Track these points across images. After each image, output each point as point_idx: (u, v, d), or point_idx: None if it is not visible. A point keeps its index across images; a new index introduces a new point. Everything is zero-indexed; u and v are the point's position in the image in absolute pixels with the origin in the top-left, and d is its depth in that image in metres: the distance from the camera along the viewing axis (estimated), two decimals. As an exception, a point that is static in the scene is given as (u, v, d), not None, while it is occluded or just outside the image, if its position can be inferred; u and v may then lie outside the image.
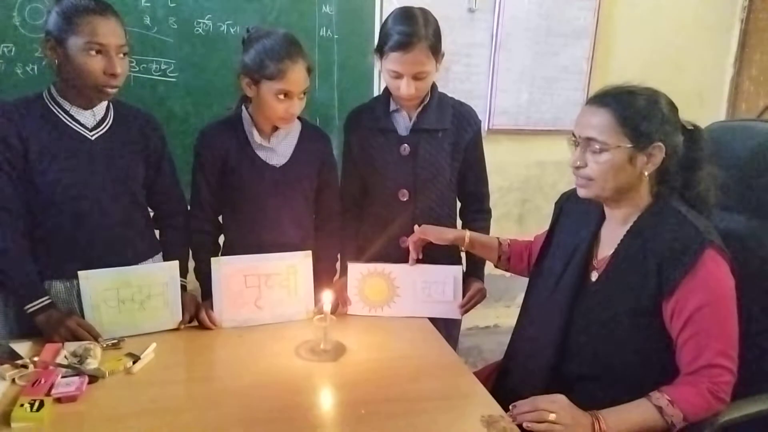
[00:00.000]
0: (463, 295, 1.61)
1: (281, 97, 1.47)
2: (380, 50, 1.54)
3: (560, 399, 1.14)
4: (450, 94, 1.71)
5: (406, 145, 1.63)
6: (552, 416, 1.09)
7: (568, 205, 1.43)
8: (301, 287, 1.55)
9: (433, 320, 1.60)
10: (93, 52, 1.33)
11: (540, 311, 1.35)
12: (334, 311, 1.55)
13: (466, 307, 1.62)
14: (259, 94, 1.49)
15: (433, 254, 1.60)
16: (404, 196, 1.65)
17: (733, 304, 1.16)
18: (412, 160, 1.63)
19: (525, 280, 1.53)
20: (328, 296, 1.41)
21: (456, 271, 1.61)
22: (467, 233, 1.59)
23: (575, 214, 1.38)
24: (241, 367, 1.33)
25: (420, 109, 1.63)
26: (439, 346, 1.47)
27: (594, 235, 1.31)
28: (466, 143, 1.67)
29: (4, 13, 2.07)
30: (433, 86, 1.64)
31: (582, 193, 1.25)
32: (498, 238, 1.61)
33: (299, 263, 1.54)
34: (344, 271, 1.66)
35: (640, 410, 1.13)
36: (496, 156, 2.13)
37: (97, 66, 1.34)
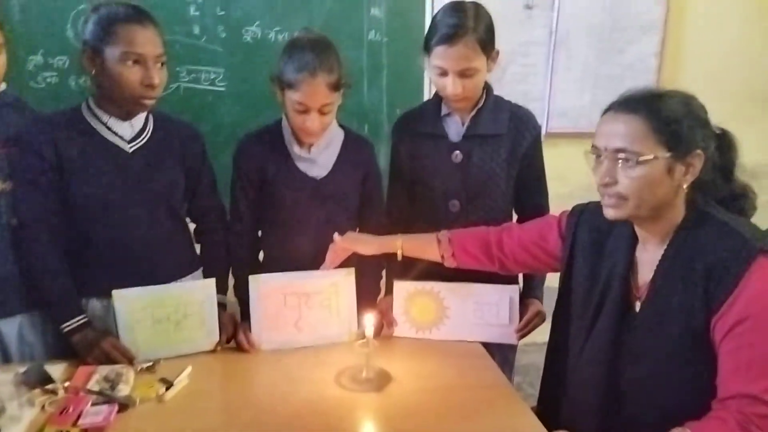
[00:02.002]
0: (520, 318, 1.47)
1: (299, 108, 1.37)
2: (427, 46, 1.43)
3: None
4: (505, 97, 1.57)
5: (458, 152, 1.50)
6: None
7: (584, 218, 1.23)
8: (344, 307, 1.45)
9: (486, 342, 1.47)
10: (130, 63, 1.28)
11: (581, 353, 1.18)
12: (378, 333, 1.45)
13: (523, 332, 1.47)
14: (284, 103, 1.41)
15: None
16: (455, 207, 1.52)
17: None
18: (465, 169, 1.50)
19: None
20: (370, 319, 1.30)
21: (512, 291, 1.46)
22: (399, 240, 1.41)
23: (595, 232, 1.20)
24: (278, 396, 1.25)
25: (473, 113, 1.50)
26: (494, 376, 1.33)
27: (629, 260, 1.13)
28: (524, 150, 1.53)
29: (58, 25, 2.09)
30: (489, 88, 1.52)
31: (611, 214, 1.07)
32: (437, 235, 1.41)
33: (341, 281, 1.44)
34: (389, 289, 1.54)
35: None
36: (555, 161, 1.98)
37: (134, 77, 1.29)
